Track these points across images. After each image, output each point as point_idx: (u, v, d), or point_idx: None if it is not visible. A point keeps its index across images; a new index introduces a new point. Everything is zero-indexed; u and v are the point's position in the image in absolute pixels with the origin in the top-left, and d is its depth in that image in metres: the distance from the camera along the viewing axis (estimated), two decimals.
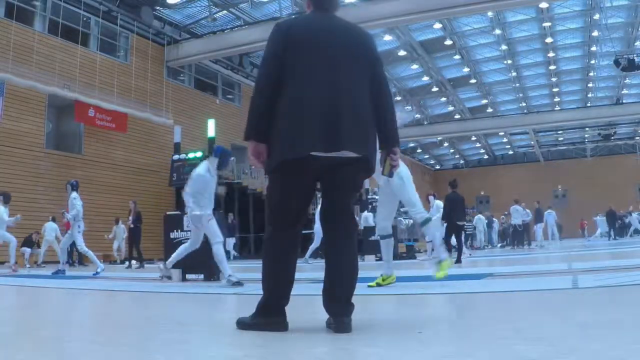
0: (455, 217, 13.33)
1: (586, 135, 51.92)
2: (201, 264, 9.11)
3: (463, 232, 14.18)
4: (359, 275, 3.39)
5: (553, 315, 3.99)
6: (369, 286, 6.38)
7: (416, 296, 5.81)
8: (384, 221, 6.76)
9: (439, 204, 15.47)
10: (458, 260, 12.76)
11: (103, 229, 19.45)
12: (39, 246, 18.55)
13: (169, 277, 8.71)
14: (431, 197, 16.00)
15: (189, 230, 9.46)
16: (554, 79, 39.57)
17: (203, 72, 29.36)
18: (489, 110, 44.55)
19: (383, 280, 6.52)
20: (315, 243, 14.97)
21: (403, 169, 6.41)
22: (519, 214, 25.24)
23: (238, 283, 7.54)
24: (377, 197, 15.69)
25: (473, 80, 38.49)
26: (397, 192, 6.57)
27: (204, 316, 4.79)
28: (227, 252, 10.29)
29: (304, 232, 3.68)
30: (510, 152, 57.41)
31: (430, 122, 44.51)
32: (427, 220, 6.84)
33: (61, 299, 6.94)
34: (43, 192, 19.84)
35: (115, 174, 23.17)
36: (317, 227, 14.27)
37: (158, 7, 25.91)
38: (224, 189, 16.20)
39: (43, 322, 4.52)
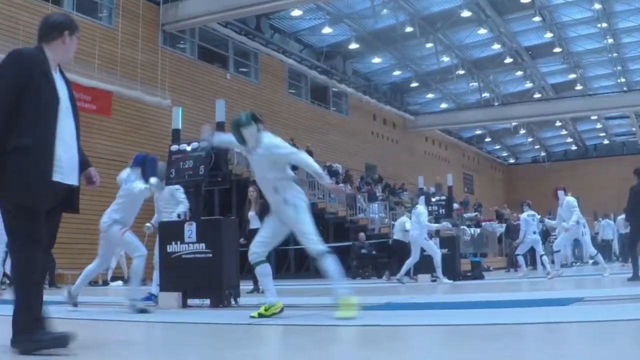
0: None
1: None
2: (207, 286, 9.08)
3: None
4: None
5: None
6: (251, 317, 6.80)
7: (483, 327, 5.81)
8: (259, 247, 7.07)
9: (571, 201, 15.23)
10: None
11: (84, 240, 19.54)
12: None
13: (75, 305, 8.82)
14: (560, 192, 15.46)
15: (190, 242, 9.39)
16: None
17: (209, 39, 29.48)
18: (578, 87, 44.14)
19: (266, 310, 6.80)
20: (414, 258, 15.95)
21: (299, 200, 6.88)
22: (610, 228, 25.56)
23: (144, 310, 8.17)
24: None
25: (558, 49, 38.07)
26: (288, 223, 6.93)
27: (208, 353, 4.82)
28: None
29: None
30: (606, 142, 57.00)
31: (502, 102, 44.29)
32: (323, 254, 6.71)
33: None
34: None
35: (97, 169, 23.14)
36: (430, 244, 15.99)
37: None
38: None
39: None
